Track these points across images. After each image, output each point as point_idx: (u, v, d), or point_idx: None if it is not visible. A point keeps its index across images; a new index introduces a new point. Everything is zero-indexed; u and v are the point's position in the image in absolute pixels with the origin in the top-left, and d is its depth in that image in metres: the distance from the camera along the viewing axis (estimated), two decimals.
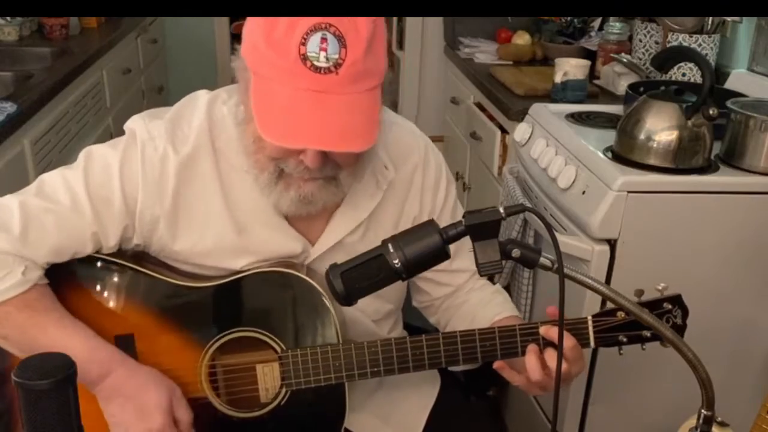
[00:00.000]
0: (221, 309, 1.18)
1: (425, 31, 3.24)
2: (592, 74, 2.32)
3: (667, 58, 1.72)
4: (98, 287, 1.17)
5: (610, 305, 1.13)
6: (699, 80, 1.96)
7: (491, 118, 2.42)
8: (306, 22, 0.96)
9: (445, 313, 1.34)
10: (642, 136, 1.52)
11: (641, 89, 1.78)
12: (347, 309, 1.13)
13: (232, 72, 1.10)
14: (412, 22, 3.24)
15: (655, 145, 1.51)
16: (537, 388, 1.14)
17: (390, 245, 0.93)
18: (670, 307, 1.13)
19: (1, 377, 1.18)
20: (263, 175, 1.08)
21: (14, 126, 2.03)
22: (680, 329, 1.14)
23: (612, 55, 2.33)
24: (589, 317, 1.15)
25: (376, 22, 1.01)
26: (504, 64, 2.64)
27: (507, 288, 1.83)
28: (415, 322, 1.44)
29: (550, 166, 1.68)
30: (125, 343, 1.16)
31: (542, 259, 0.94)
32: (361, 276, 0.94)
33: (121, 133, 1.17)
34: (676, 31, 2.12)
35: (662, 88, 1.60)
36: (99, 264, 1.17)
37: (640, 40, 2.33)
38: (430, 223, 0.96)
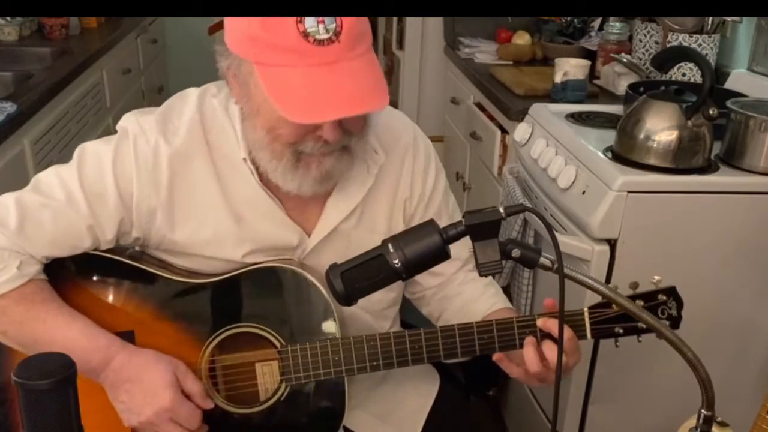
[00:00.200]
0: (221, 305, 1.19)
1: (425, 31, 3.23)
2: (592, 74, 2.32)
3: (667, 58, 1.72)
4: (98, 285, 1.18)
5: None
6: (699, 80, 1.96)
7: (491, 118, 2.42)
8: None
9: (438, 305, 1.35)
10: (642, 136, 1.52)
11: (641, 89, 1.78)
12: None
13: (221, 72, 1.11)
14: (412, 22, 3.23)
15: (655, 145, 1.51)
16: (535, 380, 1.15)
17: (390, 245, 0.94)
18: (664, 298, 1.14)
19: (1, 378, 1.19)
20: (282, 163, 1.09)
21: (14, 126, 2.03)
22: (676, 321, 1.15)
23: (612, 55, 2.33)
24: (586, 309, 1.16)
25: None
26: (504, 64, 2.64)
27: (507, 288, 1.83)
28: (410, 320, 1.44)
29: (550, 166, 1.68)
30: (125, 340, 1.16)
31: (542, 259, 0.94)
32: (361, 276, 0.94)
33: None
34: (676, 31, 2.12)
35: (662, 88, 1.60)
36: (99, 262, 1.17)
37: (640, 40, 2.33)
38: (430, 223, 0.96)
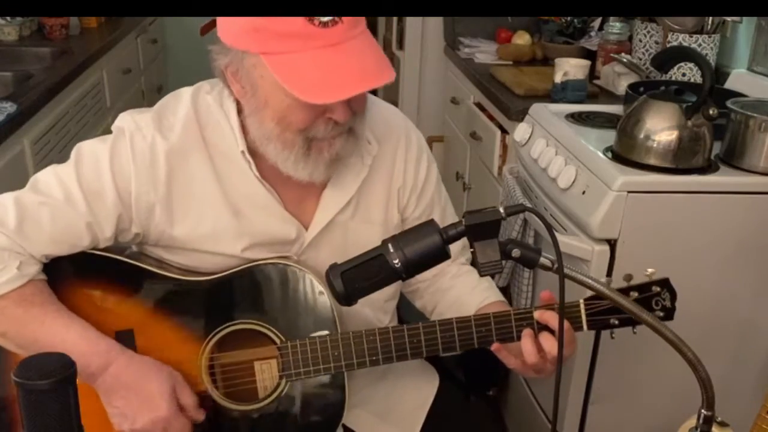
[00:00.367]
0: (220, 302, 1.19)
1: (425, 31, 3.23)
2: (592, 74, 2.32)
3: (667, 58, 1.72)
4: (97, 284, 1.18)
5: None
6: (699, 80, 1.96)
7: (491, 118, 2.42)
8: None
9: (431, 298, 1.36)
10: (642, 136, 1.52)
11: (641, 89, 1.78)
12: None
13: (217, 72, 1.12)
14: (412, 22, 3.23)
15: (655, 145, 1.51)
16: (532, 371, 1.16)
17: (390, 245, 0.94)
18: (658, 289, 1.16)
19: (1, 379, 1.19)
20: (294, 152, 1.10)
21: (14, 126, 2.03)
22: (669, 312, 1.17)
23: (612, 55, 2.33)
24: (581, 300, 1.17)
25: None
26: (504, 64, 2.64)
27: (507, 288, 1.83)
28: (405, 316, 1.44)
29: (550, 166, 1.68)
30: (125, 339, 1.16)
31: (542, 259, 0.94)
32: (361, 276, 0.94)
33: None
34: (676, 31, 2.12)
35: (662, 88, 1.60)
36: (98, 261, 1.17)
37: (640, 40, 2.33)
38: (430, 223, 0.96)
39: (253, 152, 1.15)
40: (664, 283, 1.16)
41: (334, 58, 1.01)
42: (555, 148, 1.72)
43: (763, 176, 1.51)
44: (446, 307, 1.32)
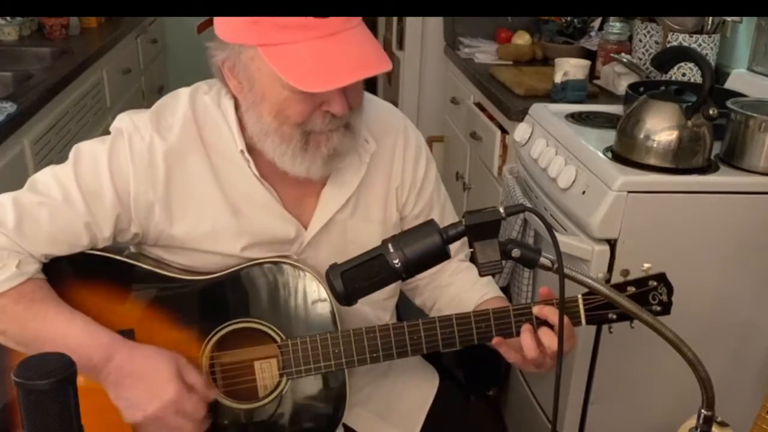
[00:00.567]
0: (219, 301, 1.20)
1: (425, 31, 3.23)
2: (592, 74, 2.32)
3: (667, 58, 1.72)
4: (97, 284, 1.18)
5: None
6: (699, 80, 1.96)
7: (491, 118, 2.42)
8: None
9: (431, 295, 1.36)
10: (642, 136, 1.52)
11: (641, 89, 1.78)
12: None
13: (214, 68, 1.12)
14: (412, 22, 3.23)
15: (655, 145, 1.51)
16: (531, 366, 1.16)
17: (390, 245, 0.94)
18: (655, 284, 1.16)
19: (1, 378, 1.19)
20: (291, 146, 1.10)
21: (14, 126, 2.03)
22: (666, 306, 1.17)
23: (612, 55, 2.33)
24: (580, 295, 1.17)
25: None
26: (504, 64, 2.64)
27: (507, 288, 1.83)
28: (403, 314, 1.44)
29: (550, 166, 1.68)
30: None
31: (542, 259, 0.94)
32: (361, 276, 0.94)
33: None
34: (676, 31, 2.12)
35: (662, 88, 1.60)
36: (97, 261, 1.17)
37: (640, 40, 2.33)
38: (430, 223, 0.96)
39: (251, 151, 1.16)
40: (661, 278, 1.17)
41: (331, 48, 1.01)
42: (555, 148, 1.72)
43: (763, 176, 1.51)
44: (445, 304, 1.33)
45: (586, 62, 2.16)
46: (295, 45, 1.01)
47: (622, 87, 2.18)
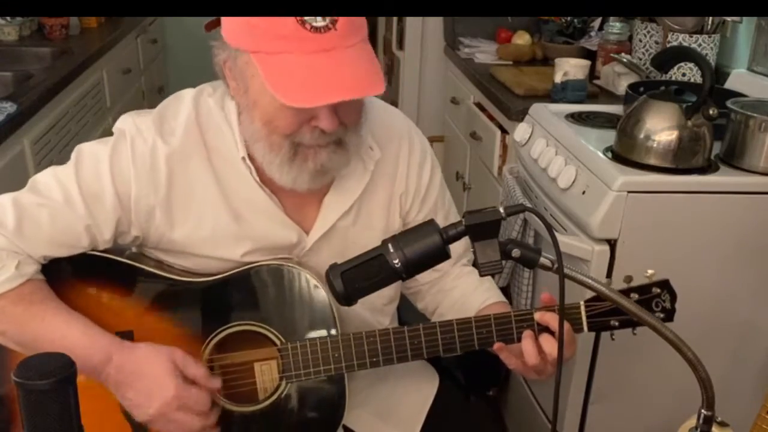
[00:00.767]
0: (219, 304, 1.19)
1: (425, 31, 3.23)
2: (592, 74, 2.32)
3: (667, 58, 1.72)
4: (96, 285, 1.18)
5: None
6: (699, 80, 1.96)
7: (491, 118, 2.42)
8: None
9: (433, 299, 1.36)
10: (642, 136, 1.52)
11: (641, 89, 1.78)
12: None
13: (217, 67, 1.12)
14: (412, 22, 3.23)
15: (655, 145, 1.50)
16: (532, 372, 1.16)
17: (390, 245, 0.94)
18: (658, 291, 1.16)
19: (1, 378, 1.19)
20: (279, 156, 1.09)
21: (14, 126, 2.03)
22: (669, 313, 1.17)
23: (612, 55, 2.33)
24: (582, 302, 1.17)
25: None
26: (504, 64, 2.64)
27: (507, 288, 1.83)
28: (405, 317, 1.44)
29: (550, 166, 1.68)
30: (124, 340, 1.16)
31: (542, 259, 0.94)
32: (361, 276, 0.94)
33: None
34: (676, 31, 2.12)
35: (662, 88, 1.60)
36: (97, 262, 1.17)
37: (640, 40, 2.33)
38: (430, 223, 0.96)
39: (253, 157, 1.15)
40: (665, 285, 1.16)
41: (323, 64, 0.99)
42: (555, 148, 1.72)
43: (763, 176, 1.51)
44: (447, 308, 1.32)
45: (586, 62, 2.16)
46: (287, 56, 0.99)
47: (622, 87, 2.18)
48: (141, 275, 1.18)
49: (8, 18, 2.91)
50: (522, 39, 2.78)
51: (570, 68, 2.10)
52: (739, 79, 1.98)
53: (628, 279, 1.14)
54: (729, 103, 1.58)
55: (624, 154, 1.55)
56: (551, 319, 1.14)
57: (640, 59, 2.32)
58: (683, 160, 1.50)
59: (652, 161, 1.51)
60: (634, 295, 1.15)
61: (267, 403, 1.19)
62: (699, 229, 1.52)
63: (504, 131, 2.28)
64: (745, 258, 1.54)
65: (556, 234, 0.98)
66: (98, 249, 1.17)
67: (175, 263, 1.21)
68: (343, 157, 1.12)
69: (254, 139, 1.11)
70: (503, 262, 0.93)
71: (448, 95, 3.04)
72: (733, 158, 1.56)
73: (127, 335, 1.16)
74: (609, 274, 1.53)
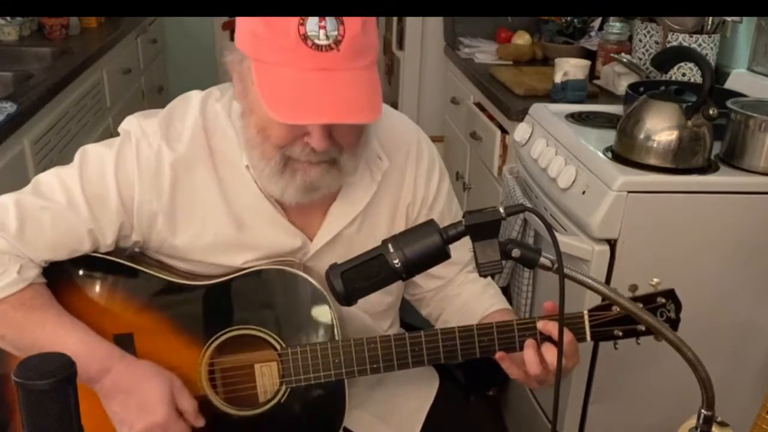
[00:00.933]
0: (220, 307, 1.19)
1: (425, 31, 3.23)
2: (592, 74, 2.32)
3: (667, 58, 1.72)
4: (97, 287, 1.17)
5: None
6: (699, 80, 1.96)
7: (491, 118, 2.42)
8: None
9: (437, 306, 1.35)
10: (642, 136, 1.52)
11: (641, 89, 1.78)
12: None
13: (225, 67, 1.10)
14: (412, 22, 3.23)
15: (655, 145, 1.51)
16: (534, 382, 1.15)
17: (390, 245, 0.93)
18: (663, 301, 1.14)
19: (1, 378, 1.18)
20: (269, 165, 1.08)
21: (14, 126, 2.03)
22: (674, 323, 1.16)
23: (612, 55, 2.33)
24: (585, 312, 1.16)
25: None
26: (504, 64, 2.64)
27: (507, 288, 1.83)
28: (409, 320, 1.44)
29: (550, 166, 1.68)
30: (124, 343, 1.16)
31: (542, 259, 0.94)
32: (361, 276, 0.94)
33: None
34: (676, 31, 2.12)
35: (662, 88, 1.60)
36: (98, 264, 1.17)
37: (640, 40, 2.33)
38: (430, 223, 0.96)
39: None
40: (669, 294, 1.15)
41: (316, 83, 0.97)
42: (555, 148, 1.72)
43: (763, 176, 1.51)
44: (452, 314, 1.32)
45: (586, 62, 2.16)
46: (283, 69, 0.98)
47: (622, 87, 2.18)
48: (142, 277, 1.17)
49: (8, 18, 2.91)
50: (522, 39, 2.78)
51: (570, 68, 2.11)
52: (739, 79, 1.98)
53: (633, 288, 1.13)
54: (729, 103, 1.58)
55: (624, 154, 1.55)
56: (554, 328, 1.12)
57: (640, 59, 2.32)
58: (683, 160, 1.50)
59: (652, 161, 1.51)
60: (639, 305, 1.14)
61: (266, 407, 1.19)
62: (699, 229, 1.52)
63: (504, 131, 2.28)
64: (745, 258, 1.54)
65: (556, 234, 0.98)
66: (99, 252, 1.17)
67: (176, 265, 1.21)
68: (336, 177, 1.10)
69: (250, 145, 1.10)
70: (503, 262, 0.92)
71: (448, 95, 3.04)
72: (733, 158, 1.56)
73: (127, 338, 1.16)
74: (609, 274, 1.53)
